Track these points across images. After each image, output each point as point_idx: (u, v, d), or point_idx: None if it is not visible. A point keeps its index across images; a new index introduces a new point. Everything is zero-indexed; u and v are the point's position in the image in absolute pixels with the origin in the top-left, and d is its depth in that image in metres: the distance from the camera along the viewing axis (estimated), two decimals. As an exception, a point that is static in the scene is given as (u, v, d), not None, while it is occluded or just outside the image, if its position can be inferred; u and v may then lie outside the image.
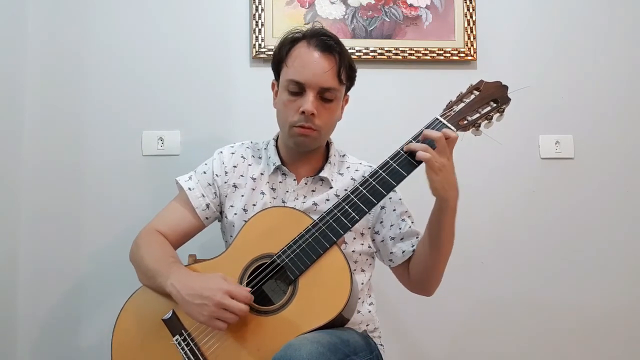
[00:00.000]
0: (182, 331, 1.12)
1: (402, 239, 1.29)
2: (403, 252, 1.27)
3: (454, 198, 1.14)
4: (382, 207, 1.31)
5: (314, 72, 1.21)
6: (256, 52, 1.71)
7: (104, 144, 1.69)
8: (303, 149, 1.28)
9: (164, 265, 1.17)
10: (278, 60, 1.28)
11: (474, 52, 1.77)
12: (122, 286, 1.25)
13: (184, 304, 1.09)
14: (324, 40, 1.24)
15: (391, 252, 1.29)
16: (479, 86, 1.18)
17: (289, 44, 1.26)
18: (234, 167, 1.34)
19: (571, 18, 1.82)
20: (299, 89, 1.22)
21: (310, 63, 1.22)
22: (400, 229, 1.29)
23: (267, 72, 1.33)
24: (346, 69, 1.26)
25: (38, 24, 1.69)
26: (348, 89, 1.32)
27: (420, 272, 1.25)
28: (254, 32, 1.71)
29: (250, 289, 1.10)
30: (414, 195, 1.31)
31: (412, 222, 1.31)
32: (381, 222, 1.31)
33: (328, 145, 1.36)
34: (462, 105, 1.16)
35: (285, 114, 1.25)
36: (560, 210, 1.78)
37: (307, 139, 1.24)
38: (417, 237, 1.28)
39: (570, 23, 1.82)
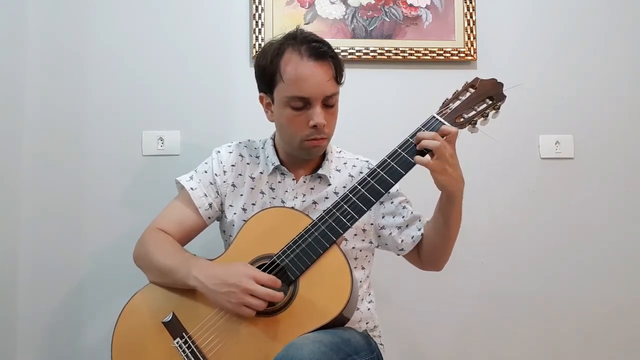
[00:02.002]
0: (183, 334, 1.12)
1: (407, 225, 1.29)
2: (412, 237, 1.28)
3: (461, 190, 1.15)
4: (381, 202, 1.32)
5: (317, 83, 1.18)
6: (256, 52, 1.70)
7: (104, 144, 1.69)
8: (314, 157, 1.29)
9: (180, 260, 1.17)
10: (270, 74, 1.21)
11: (474, 52, 1.77)
12: (122, 286, 1.26)
13: (210, 294, 1.10)
14: (316, 48, 1.20)
15: (401, 241, 1.29)
16: (474, 83, 1.18)
17: (277, 57, 1.20)
18: (232, 166, 1.33)
19: (571, 18, 1.82)
20: (303, 104, 1.20)
21: (310, 76, 1.18)
22: (403, 217, 1.30)
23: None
24: (340, 70, 1.24)
25: (38, 24, 1.68)
26: None
27: (431, 252, 1.27)
28: (254, 32, 1.71)
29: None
30: (413, 188, 1.32)
31: (411, 206, 1.32)
32: (383, 217, 1.32)
33: None
34: (458, 102, 1.17)
35: (293, 130, 1.22)
36: (560, 210, 1.78)
37: (319, 149, 1.26)
38: (420, 220, 1.29)
39: (570, 23, 1.82)
